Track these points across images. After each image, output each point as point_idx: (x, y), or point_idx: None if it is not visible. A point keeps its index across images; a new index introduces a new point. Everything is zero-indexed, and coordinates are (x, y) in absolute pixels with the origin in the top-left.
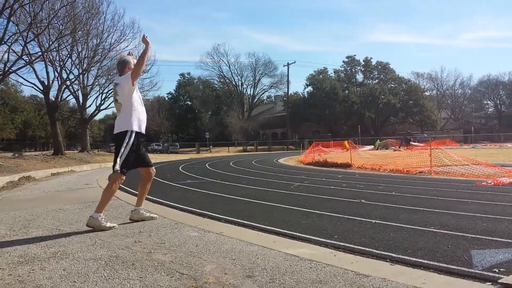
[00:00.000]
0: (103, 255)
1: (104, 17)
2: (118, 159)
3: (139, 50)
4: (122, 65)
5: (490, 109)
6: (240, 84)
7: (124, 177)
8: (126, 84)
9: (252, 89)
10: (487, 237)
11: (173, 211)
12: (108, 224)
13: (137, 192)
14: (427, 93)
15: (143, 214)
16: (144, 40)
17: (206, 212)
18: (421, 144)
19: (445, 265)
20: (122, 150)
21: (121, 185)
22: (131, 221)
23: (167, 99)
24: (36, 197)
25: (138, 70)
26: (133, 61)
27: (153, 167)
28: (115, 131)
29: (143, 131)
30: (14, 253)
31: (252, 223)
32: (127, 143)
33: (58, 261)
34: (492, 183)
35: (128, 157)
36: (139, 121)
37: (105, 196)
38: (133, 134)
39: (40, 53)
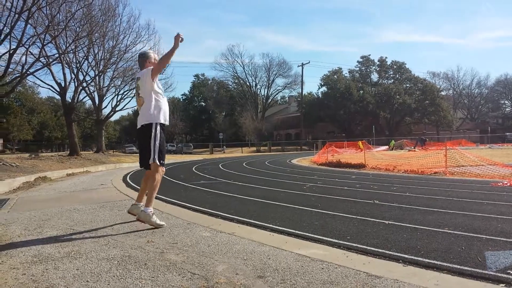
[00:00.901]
0: (116, 254)
1: (120, 19)
2: (152, 151)
3: (154, 50)
4: (142, 59)
5: (507, 109)
6: (254, 85)
7: (164, 169)
8: (147, 78)
9: (266, 90)
10: (502, 239)
11: (186, 211)
12: (158, 221)
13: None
14: (443, 93)
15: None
16: (177, 38)
17: (219, 213)
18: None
19: (458, 266)
20: (152, 143)
21: (132, 184)
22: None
23: (181, 100)
24: (51, 197)
25: (160, 66)
26: (154, 55)
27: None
28: (139, 124)
29: (167, 122)
30: (28, 253)
31: (264, 224)
32: (156, 135)
33: (71, 261)
34: (508, 184)
35: (162, 148)
36: (162, 112)
37: (151, 188)
38: (158, 126)
39: (57, 55)
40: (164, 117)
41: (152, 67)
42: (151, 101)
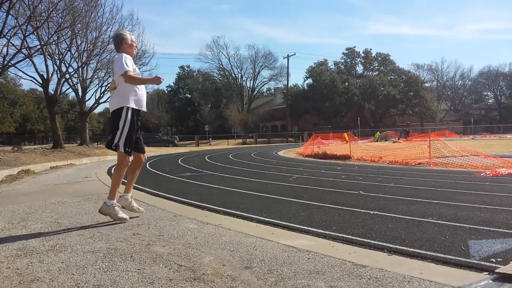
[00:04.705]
0: (101, 247)
1: (103, 10)
2: (118, 137)
3: (138, 42)
4: (117, 40)
5: (490, 101)
6: (239, 77)
7: (130, 158)
8: (118, 70)
9: (251, 82)
10: (485, 228)
11: (172, 203)
12: (120, 215)
13: (136, 185)
14: (427, 85)
15: (132, 203)
16: (158, 80)
17: (205, 204)
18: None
19: (442, 255)
20: (121, 127)
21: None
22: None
23: (166, 92)
24: (35, 191)
25: (129, 81)
26: (130, 36)
27: (145, 154)
28: (111, 109)
29: (143, 108)
30: (12, 246)
31: (250, 215)
32: (125, 120)
33: (56, 254)
34: (491, 174)
35: (130, 135)
36: (136, 97)
37: (114, 180)
38: (129, 111)
39: (39, 46)
40: (137, 102)
41: (125, 54)
42: (123, 85)
